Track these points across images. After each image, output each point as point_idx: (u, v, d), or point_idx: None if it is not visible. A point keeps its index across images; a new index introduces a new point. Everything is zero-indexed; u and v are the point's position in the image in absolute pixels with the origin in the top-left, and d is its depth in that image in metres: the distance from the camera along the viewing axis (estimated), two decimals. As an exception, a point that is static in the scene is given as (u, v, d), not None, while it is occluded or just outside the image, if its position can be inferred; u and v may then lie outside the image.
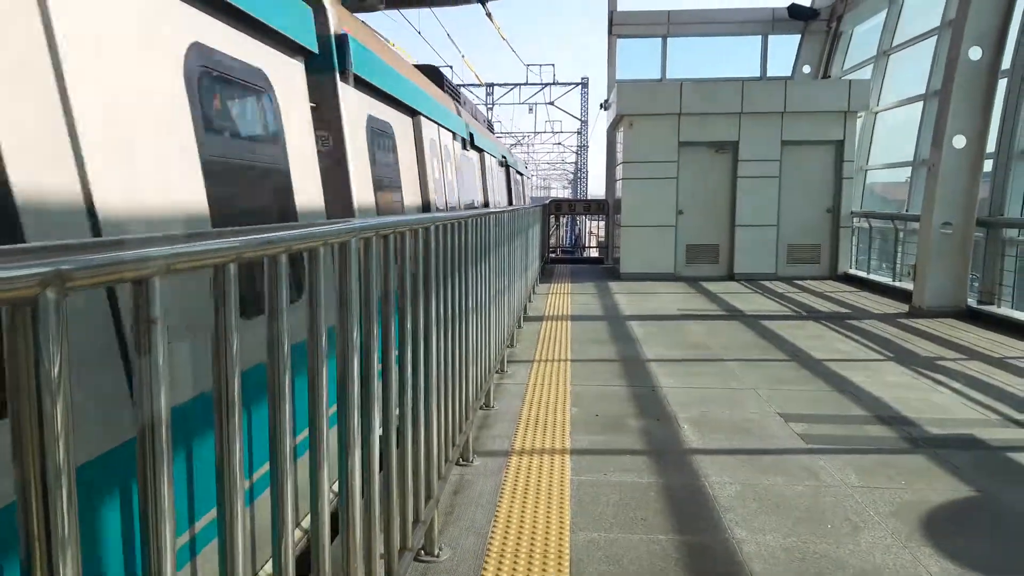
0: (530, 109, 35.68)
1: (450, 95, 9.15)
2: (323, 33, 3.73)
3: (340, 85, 3.85)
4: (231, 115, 2.70)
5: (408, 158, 5.57)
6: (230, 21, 2.66)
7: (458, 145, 8.23)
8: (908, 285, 9.63)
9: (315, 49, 3.56)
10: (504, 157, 12.72)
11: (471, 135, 9.27)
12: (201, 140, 2.28)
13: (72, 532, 0.80)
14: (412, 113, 5.90)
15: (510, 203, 13.45)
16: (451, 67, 31.75)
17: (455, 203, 7.50)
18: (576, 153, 44.81)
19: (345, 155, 3.87)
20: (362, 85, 4.33)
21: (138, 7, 2.07)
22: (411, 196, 5.55)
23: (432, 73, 8.63)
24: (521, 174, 15.18)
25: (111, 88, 1.90)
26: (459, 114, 8.81)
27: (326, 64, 3.76)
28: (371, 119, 4.53)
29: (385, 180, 4.81)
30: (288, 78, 3.17)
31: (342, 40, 3.93)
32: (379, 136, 4.73)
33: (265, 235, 1.29)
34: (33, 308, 0.77)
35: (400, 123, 5.44)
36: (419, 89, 6.14)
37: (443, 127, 7.25)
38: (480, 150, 10.44)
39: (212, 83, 2.48)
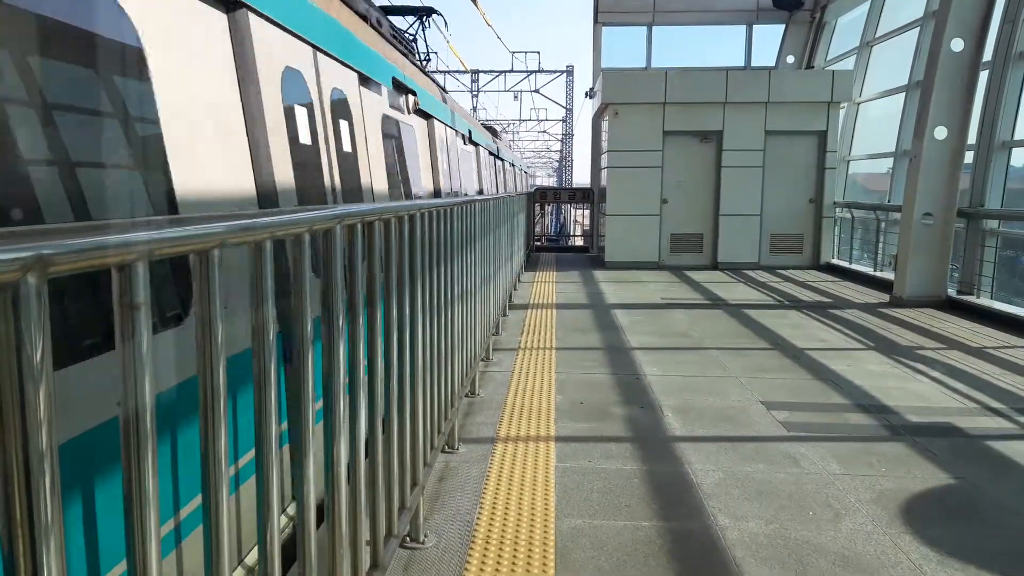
0: (515, 97, 35.57)
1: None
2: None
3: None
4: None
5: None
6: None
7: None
8: (889, 275, 9.73)
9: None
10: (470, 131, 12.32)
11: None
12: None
13: (55, 519, 0.79)
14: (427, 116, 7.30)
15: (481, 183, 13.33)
16: (436, 53, 31.53)
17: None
18: (561, 141, 44.75)
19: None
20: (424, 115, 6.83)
21: None
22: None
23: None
24: (498, 156, 14.57)
25: None
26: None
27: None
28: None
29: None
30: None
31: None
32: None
33: (248, 220, 1.27)
34: (14, 294, 0.75)
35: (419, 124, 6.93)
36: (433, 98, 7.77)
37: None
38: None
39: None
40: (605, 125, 13.72)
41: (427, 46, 12.27)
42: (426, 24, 12.17)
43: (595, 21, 15.90)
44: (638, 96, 12.41)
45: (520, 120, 42.34)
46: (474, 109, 33.69)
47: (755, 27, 15.90)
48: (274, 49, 3.02)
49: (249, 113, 2.76)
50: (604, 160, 13.89)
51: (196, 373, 1.18)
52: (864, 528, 2.95)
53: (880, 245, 10.97)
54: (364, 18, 5.10)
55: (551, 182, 60.71)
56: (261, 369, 1.34)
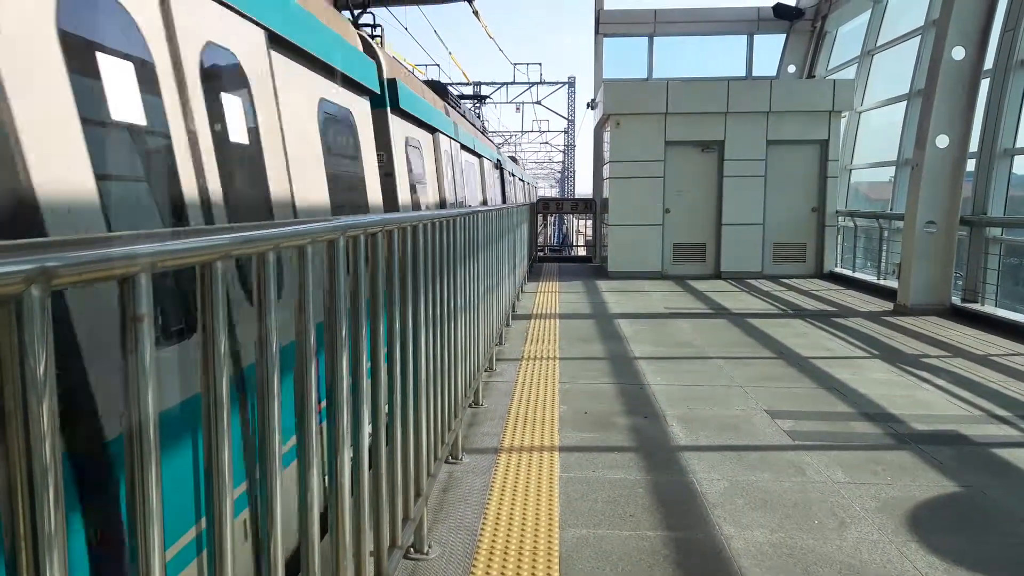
0: (517, 108, 35.69)
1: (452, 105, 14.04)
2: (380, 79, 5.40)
3: (391, 116, 5.66)
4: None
5: (430, 164, 7.68)
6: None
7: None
8: (893, 283, 9.71)
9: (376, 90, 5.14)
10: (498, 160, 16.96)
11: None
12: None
13: (59, 533, 0.79)
14: (432, 130, 7.76)
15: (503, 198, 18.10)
16: (438, 65, 31.73)
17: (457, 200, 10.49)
18: (563, 152, 44.85)
19: (393, 165, 5.60)
20: (402, 114, 6.10)
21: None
22: (433, 193, 7.68)
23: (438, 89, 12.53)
24: (523, 179, 22.92)
25: None
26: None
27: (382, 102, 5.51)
28: (408, 138, 6.33)
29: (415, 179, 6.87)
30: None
31: (392, 83, 5.67)
32: (412, 148, 6.50)
33: (252, 232, 1.28)
34: (18, 306, 0.76)
35: (424, 138, 7.32)
36: (436, 110, 8.32)
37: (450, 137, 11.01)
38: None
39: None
40: (607, 136, 13.76)
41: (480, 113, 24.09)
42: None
43: (596, 32, 15.97)
44: (640, 106, 12.44)
45: (522, 131, 42.46)
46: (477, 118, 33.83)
47: (756, 37, 15.96)
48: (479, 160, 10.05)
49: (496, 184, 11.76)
50: (606, 170, 13.91)
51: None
52: (870, 537, 2.94)
53: (883, 253, 10.95)
54: (485, 132, 13.29)
55: (553, 192, 60.84)
56: (265, 379, 1.34)
